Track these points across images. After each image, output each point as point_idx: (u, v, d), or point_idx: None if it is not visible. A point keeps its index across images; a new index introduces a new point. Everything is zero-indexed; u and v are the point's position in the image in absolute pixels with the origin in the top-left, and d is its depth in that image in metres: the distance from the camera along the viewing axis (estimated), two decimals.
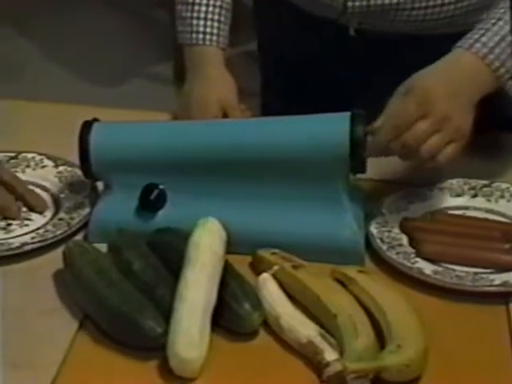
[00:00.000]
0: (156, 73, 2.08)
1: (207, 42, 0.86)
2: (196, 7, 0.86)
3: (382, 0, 0.80)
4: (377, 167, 0.70)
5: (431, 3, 0.79)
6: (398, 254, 0.68)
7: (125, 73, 2.06)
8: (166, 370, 0.58)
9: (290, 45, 0.92)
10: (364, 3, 0.81)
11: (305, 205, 0.68)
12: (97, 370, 0.59)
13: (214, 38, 0.86)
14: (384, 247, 0.69)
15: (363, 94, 0.86)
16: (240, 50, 2.09)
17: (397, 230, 0.71)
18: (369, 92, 0.85)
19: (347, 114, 0.67)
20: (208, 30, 0.86)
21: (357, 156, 0.66)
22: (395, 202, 0.74)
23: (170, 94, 2.19)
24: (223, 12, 0.87)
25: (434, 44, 0.81)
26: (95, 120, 0.72)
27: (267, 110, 0.99)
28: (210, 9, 0.86)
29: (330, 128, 0.67)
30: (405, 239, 0.70)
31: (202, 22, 0.86)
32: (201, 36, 0.86)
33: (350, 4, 0.81)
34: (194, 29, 0.86)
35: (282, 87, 0.96)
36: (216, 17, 0.86)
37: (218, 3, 0.87)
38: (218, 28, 0.86)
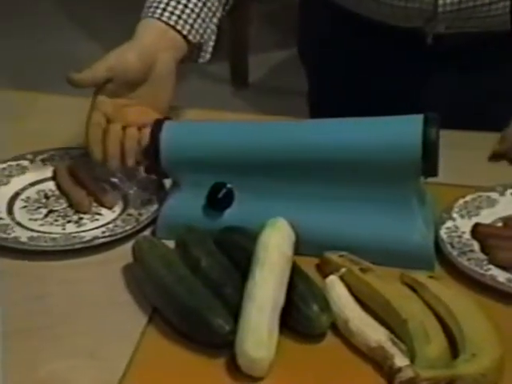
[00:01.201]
0: (212, 72, 2.10)
1: (164, 18, 0.75)
2: None
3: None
4: (446, 171, 0.68)
5: None
6: (469, 260, 0.66)
7: (182, 72, 2.09)
8: (233, 367, 0.58)
9: (346, 51, 0.89)
10: (455, 7, 0.78)
11: (374, 207, 0.67)
12: (166, 363, 0.59)
13: (174, 17, 0.75)
14: (455, 253, 0.67)
15: (416, 102, 0.85)
16: (291, 53, 2.09)
17: (468, 236, 0.69)
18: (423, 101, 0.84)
19: (420, 116, 0.65)
20: (169, 9, 0.75)
21: (429, 159, 0.64)
22: (466, 206, 0.72)
23: (225, 93, 2.21)
24: (200, 4, 0.77)
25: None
26: (166, 118, 0.72)
27: (316, 112, 0.98)
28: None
29: (403, 129, 0.66)
30: (476, 245, 0.68)
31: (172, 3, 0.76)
32: (159, 11, 0.75)
33: (441, 2, 0.79)
34: (161, 5, 0.75)
35: (331, 91, 0.94)
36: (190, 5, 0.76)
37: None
38: (182, 11, 0.75)
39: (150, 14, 0.75)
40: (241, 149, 0.70)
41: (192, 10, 0.76)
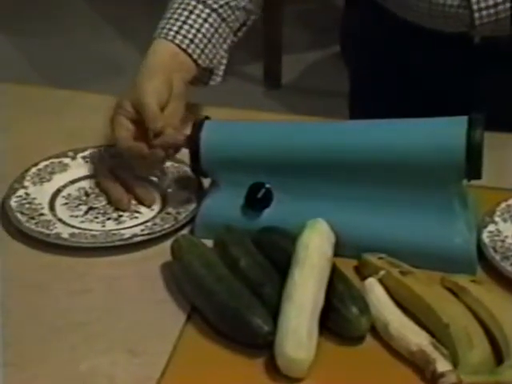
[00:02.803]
0: (246, 73, 2.10)
1: (176, 41, 0.77)
2: (185, 12, 0.77)
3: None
4: (489, 173, 0.67)
5: None
6: None
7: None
8: (272, 368, 0.57)
9: (389, 51, 0.88)
10: (492, 11, 0.77)
11: (415, 209, 0.65)
12: (204, 362, 0.59)
13: (186, 41, 0.76)
14: (497, 257, 0.65)
15: (464, 102, 0.83)
16: (329, 53, 2.08)
17: (511, 240, 0.67)
18: (472, 100, 0.82)
19: (465, 118, 0.64)
20: (183, 32, 0.77)
21: (473, 161, 0.63)
22: (508, 210, 0.70)
23: (259, 94, 2.21)
24: (206, 25, 0.78)
25: None
26: (206, 118, 0.72)
27: (356, 112, 0.97)
28: (193, 16, 0.78)
29: (447, 131, 0.64)
30: None
31: (179, 24, 0.77)
32: (172, 33, 0.77)
33: (477, 15, 0.78)
34: (174, 28, 0.77)
35: (371, 93, 0.93)
36: (196, 25, 0.77)
37: (203, 16, 0.78)
38: (194, 35, 0.77)
39: (163, 36, 0.78)
40: (280, 149, 0.69)
41: (204, 36, 0.79)
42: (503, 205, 0.71)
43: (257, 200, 0.69)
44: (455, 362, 0.55)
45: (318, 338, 0.58)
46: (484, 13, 0.78)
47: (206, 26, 0.79)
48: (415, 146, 0.65)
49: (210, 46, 0.79)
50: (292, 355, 0.56)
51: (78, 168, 0.79)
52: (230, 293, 0.61)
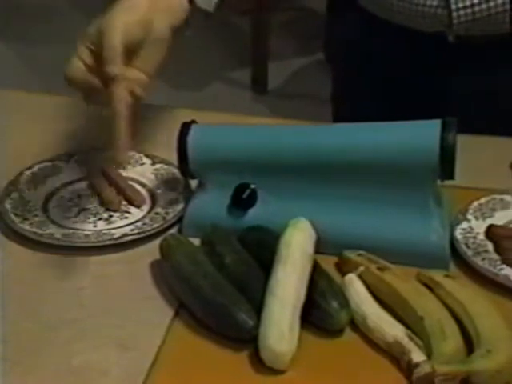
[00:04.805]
0: (234, 78, 2.10)
1: None
2: None
3: (487, 4, 0.77)
4: (462, 174, 0.67)
5: None
6: (483, 260, 0.65)
7: (205, 77, 2.09)
8: (257, 361, 0.57)
9: (370, 52, 0.88)
10: (469, 11, 0.78)
11: (392, 208, 0.66)
12: (191, 355, 0.59)
13: None
14: (469, 253, 0.66)
15: (442, 103, 0.84)
16: (314, 59, 2.08)
17: (482, 237, 0.68)
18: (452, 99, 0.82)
19: (438, 121, 0.64)
20: None
21: (447, 163, 0.63)
22: (480, 208, 0.71)
23: (246, 99, 2.21)
24: None
25: None
26: (193, 122, 0.72)
27: (340, 113, 0.97)
28: None
29: (422, 134, 0.65)
30: (490, 246, 0.67)
31: None
32: None
33: (454, 14, 0.78)
34: None
35: (354, 93, 0.93)
36: None
37: None
38: None
39: None
40: (264, 151, 0.69)
41: None
42: (475, 203, 0.71)
43: (242, 200, 0.69)
44: (429, 353, 0.56)
45: (299, 331, 0.58)
46: (461, 12, 0.79)
47: None
48: (392, 148, 0.66)
49: None
50: (275, 348, 0.56)
51: (71, 171, 0.79)
52: (216, 289, 0.61)
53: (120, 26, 0.61)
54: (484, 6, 0.78)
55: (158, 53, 0.64)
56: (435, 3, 0.79)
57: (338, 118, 0.96)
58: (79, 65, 0.64)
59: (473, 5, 0.78)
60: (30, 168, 0.78)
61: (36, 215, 0.73)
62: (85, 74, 0.63)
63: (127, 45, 0.62)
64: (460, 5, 0.78)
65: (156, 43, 0.64)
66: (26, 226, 0.70)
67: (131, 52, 0.62)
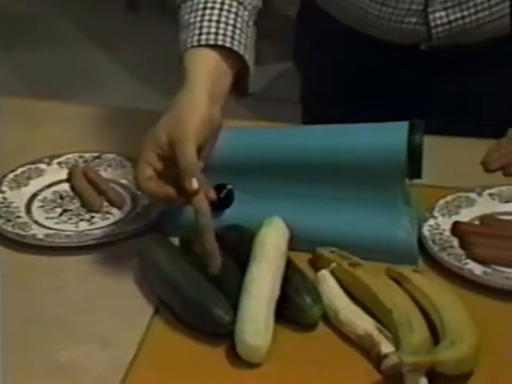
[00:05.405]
0: None
1: (219, 42, 0.63)
2: (208, 11, 0.65)
3: (463, 20, 0.77)
4: (430, 173, 0.68)
5: (507, 10, 0.77)
6: (449, 255, 0.66)
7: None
8: (233, 355, 0.58)
9: (341, 60, 0.88)
10: (447, 27, 0.78)
11: (363, 207, 0.66)
12: (170, 350, 0.59)
13: (228, 39, 0.63)
14: (436, 248, 0.67)
15: (412, 105, 0.84)
16: (288, 66, 2.09)
17: (448, 233, 0.68)
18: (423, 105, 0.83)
19: (406, 123, 0.65)
20: (221, 31, 0.64)
21: (414, 162, 0.64)
22: (446, 206, 0.72)
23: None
24: (239, 19, 0.66)
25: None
26: None
27: (309, 115, 0.96)
28: (224, 13, 0.65)
29: (390, 135, 0.65)
30: (456, 242, 0.68)
31: (214, 24, 0.64)
32: (212, 36, 0.63)
33: (434, 31, 0.79)
34: (204, 30, 0.64)
35: (325, 96, 0.93)
36: (231, 21, 0.65)
37: (234, 10, 0.65)
38: (233, 32, 0.64)
39: (203, 43, 0.63)
40: (241, 153, 0.69)
41: (234, 26, 0.65)
42: (442, 201, 0.72)
43: (219, 200, 0.69)
44: (397, 344, 0.56)
45: (274, 325, 0.59)
46: (440, 29, 0.79)
47: (232, 16, 0.65)
48: (362, 149, 0.66)
49: (243, 35, 0.65)
50: (251, 342, 0.57)
51: (54, 173, 0.78)
52: (194, 286, 0.61)
53: (192, 136, 0.61)
54: (460, 22, 0.79)
55: (216, 138, 0.65)
56: (414, 20, 0.79)
57: (306, 119, 0.96)
58: (149, 172, 0.62)
59: (450, 21, 0.79)
60: (13, 171, 0.77)
61: (19, 216, 0.72)
62: (158, 184, 0.62)
63: (198, 147, 0.62)
64: (438, 22, 0.79)
65: (215, 134, 0.65)
66: (8, 228, 0.70)
67: (199, 151, 0.62)
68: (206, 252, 0.61)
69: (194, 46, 0.65)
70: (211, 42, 0.64)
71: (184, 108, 0.62)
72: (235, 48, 0.65)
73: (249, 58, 0.67)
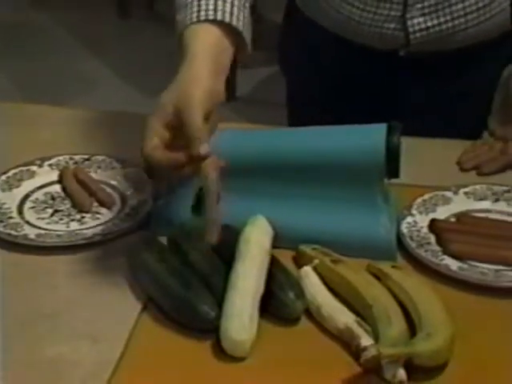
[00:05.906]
0: None
1: (218, 17, 0.61)
2: None
3: (440, 27, 0.78)
4: (408, 173, 0.69)
5: (482, 18, 0.78)
6: (426, 251, 0.67)
7: None
8: (218, 349, 0.58)
9: (320, 63, 0.89)
10: (424, 33, 0.79)
11: (344, 206, 0.67)
12: (158, 346, 0.59)
13: (227, 15, 0.61)
14: (413, 245, 0.67)
15: (390, 108, 0.85)
16: (274, 69, 2.10)
17: (425, 230, 0.69)
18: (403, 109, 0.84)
19: (384, 125, 0.66)
20: (220, 7, 0.62)
21: (392, 162, 0.65)
22: (424, 204, 0.72)
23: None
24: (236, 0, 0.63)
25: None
26: None
27: (294, 117, 0.97)
28: None
29: (369, 137, 0.66)
30: (433, 238, 0.69)
31: (212, 1, 0.62)
32: (211, 12, 0.61)
33: (412, 37, 0.80)
34: (203, 7, 0.62)
35: (310, 101, 0.93)
36: (229, 0, 0.62)
37: None
38: (232, 9, 0.62)
39: (202, 18, 0.61)
40: (226, 154, 0.69)
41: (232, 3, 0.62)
42: (419, 200, 0.73)
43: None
44: (376, 337, 0.57)
45: (259, 321, 0.59)
46: (418, 34, 0.80)
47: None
48: (343, 149, 0.67)
49: (241, 13, 0.64)
50: (235, 337, 0.57)
51: (45, 175, 0.78)
52: (180, 284, 0.61)
53: (198, 104, 0.59)
54: (437, 28, 0.80)
55: (217, 117, 0.63)
56: (392, 26, 0.80)
57: (292, 122, 0.97)
58: (156, 141, 0.59)
59: (427, 27, 0.80)
60: (5, 173, 0.77)
61: (11, 217, 0.72)
62: (165, 153, 0.59)
63: (204, 116, 0.60)
64: (416, 27, 0.80)
65: (217, 108, 0.63)
66: (0, 228, 0.70)
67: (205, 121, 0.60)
68: (206, 219, 0.58)
69: (193, 23, 0.63)
70: (211, 18, 0.62)
71: (187, 81, 0.60)
72: (234, 23, 0.63)
73: (246, 35, 0.65)
